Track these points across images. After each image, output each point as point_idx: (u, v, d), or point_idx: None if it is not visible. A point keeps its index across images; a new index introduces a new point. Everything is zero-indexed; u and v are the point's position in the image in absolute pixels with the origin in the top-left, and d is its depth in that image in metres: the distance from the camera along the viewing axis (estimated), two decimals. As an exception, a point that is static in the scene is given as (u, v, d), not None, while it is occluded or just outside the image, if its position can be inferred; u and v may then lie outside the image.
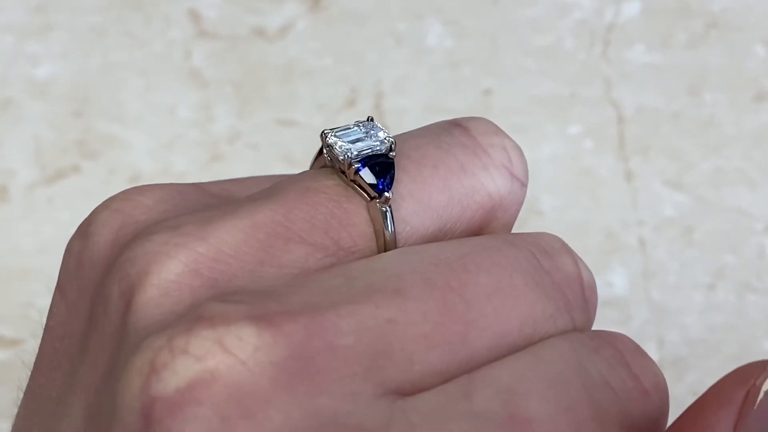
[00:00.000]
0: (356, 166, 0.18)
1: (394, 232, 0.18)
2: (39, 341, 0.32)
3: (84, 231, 0.19)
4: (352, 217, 0.18)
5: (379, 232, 0.18)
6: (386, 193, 0.18)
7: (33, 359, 0.29)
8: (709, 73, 0.34)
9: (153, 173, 0.32)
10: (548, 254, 0.19)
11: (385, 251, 0.18)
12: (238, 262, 0.17)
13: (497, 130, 0.19)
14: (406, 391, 0.16)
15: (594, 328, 0.30)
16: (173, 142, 0.33)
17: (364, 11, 0.34)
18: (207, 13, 0.34)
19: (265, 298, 0.16)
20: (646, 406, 0.18)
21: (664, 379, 0.18)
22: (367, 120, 0.19)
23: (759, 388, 0.16)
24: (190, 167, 0.32)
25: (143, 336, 0.16)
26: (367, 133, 0.19)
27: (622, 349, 0.18)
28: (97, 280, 0.18)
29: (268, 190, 0.18)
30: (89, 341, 0.17)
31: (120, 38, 0.34)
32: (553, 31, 0.34)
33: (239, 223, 0.17)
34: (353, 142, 0.18)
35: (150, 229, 0.17)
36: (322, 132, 0.18)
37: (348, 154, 0.18)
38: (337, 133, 0.18)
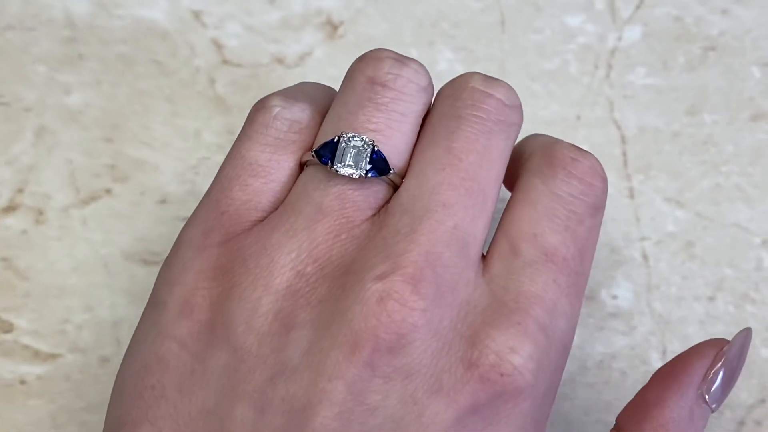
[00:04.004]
0: (370, 175, 0.25)
1: (400, 178, 0.25)
2: (74, 356, 0.33)
3: (189, 302, 0.25)
4: (374, 186, 0.25)
5: (391, 184, 0.26)
6: (391, 172, 0.25)
7: (71, 372, 0.31)
8: (708, 95, 0.34)
9: (180, 195, 0.33)
10: (482, 107, 0.25)
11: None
12: (339, 250, 0.24)
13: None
14: (482, 250, 0.25)
15: (601, 339, 0.31)
16: (199, 165, 0.34)
17: (378, 38, 0.35)
18: (229, 43, 0.35)
19: (393, 263, 0.23)
20: (595, 191, 0.26)
21: (593, 160, 0.26)
22: (339, 138, 0.25)
23: (724, 352, 0.25)
24: (215, 189, 0.33)
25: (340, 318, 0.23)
26: (356, 149, 0.25)
27: (565, 164, 0.26)
28: (226, 349, 0.24)
29: (311, 207, 0.25)
30: (242, 364, 0.24)
31: (147, 67, 0.35)
32: (558, 55, 0.35)
33: (316, 235, 0.24)
34: (353, 165, 0.25)
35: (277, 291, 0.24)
36: (332, 168, 0.25)
37: (361, 174, 0.25)
38: (341, 163, 0.25)
